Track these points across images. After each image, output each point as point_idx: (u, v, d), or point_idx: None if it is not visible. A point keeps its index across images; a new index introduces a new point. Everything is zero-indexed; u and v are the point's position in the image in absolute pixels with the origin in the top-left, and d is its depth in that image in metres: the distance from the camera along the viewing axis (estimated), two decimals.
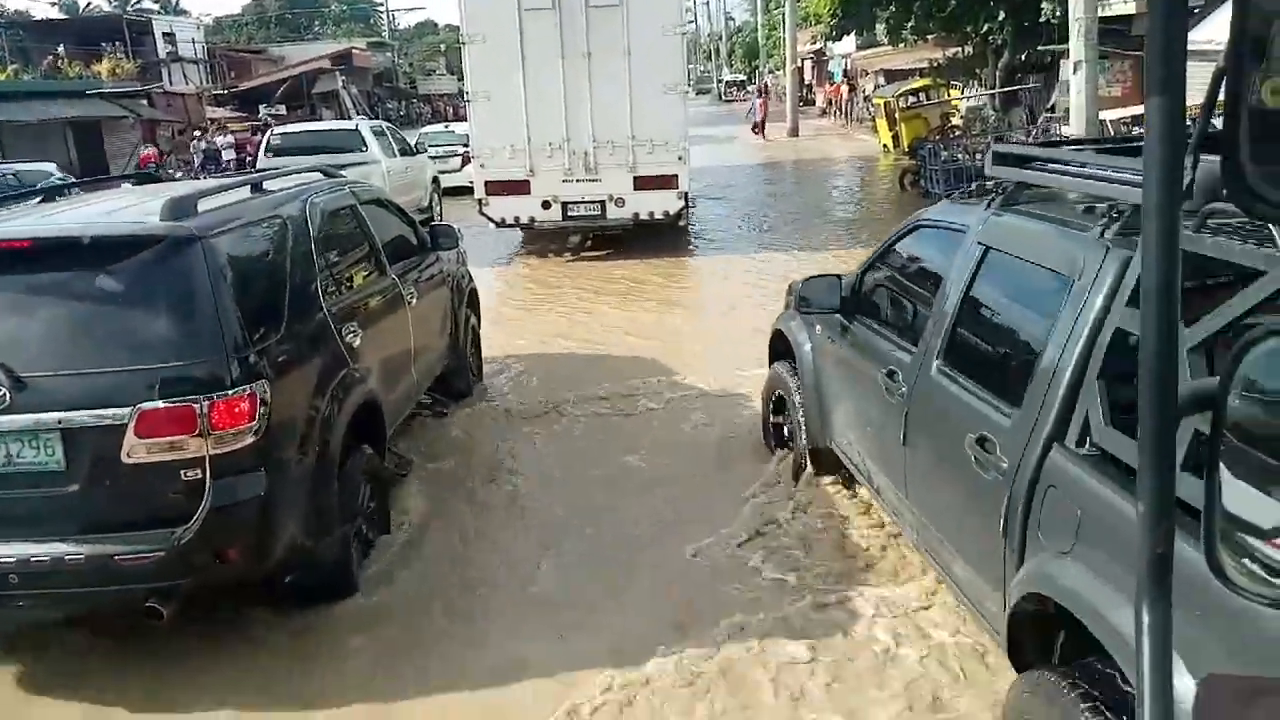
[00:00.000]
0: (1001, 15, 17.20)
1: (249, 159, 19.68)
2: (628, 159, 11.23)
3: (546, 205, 11.46)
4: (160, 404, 3.42)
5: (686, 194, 11.62)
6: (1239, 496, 0.87)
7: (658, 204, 11.38)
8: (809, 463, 4.81)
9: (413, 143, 16.06)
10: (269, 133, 16.03)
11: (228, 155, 23.37)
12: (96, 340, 3.55)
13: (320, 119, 32.04)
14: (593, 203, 11.48)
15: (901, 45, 21.50)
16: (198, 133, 25.42)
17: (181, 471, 3.46)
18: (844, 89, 35.54)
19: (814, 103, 41.93)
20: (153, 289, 3.64)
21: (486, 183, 11.48)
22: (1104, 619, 2.27)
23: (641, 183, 11.29)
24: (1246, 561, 0.86)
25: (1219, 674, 0.71)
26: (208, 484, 3.45)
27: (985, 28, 17.72)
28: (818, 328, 4.76)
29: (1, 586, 3.41)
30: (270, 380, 3.63)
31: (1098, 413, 2.52)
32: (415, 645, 3.81)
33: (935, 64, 21.76)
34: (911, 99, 20.85)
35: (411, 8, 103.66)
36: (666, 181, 11.24)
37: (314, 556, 3.89)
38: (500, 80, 10.99)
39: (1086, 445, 2.56)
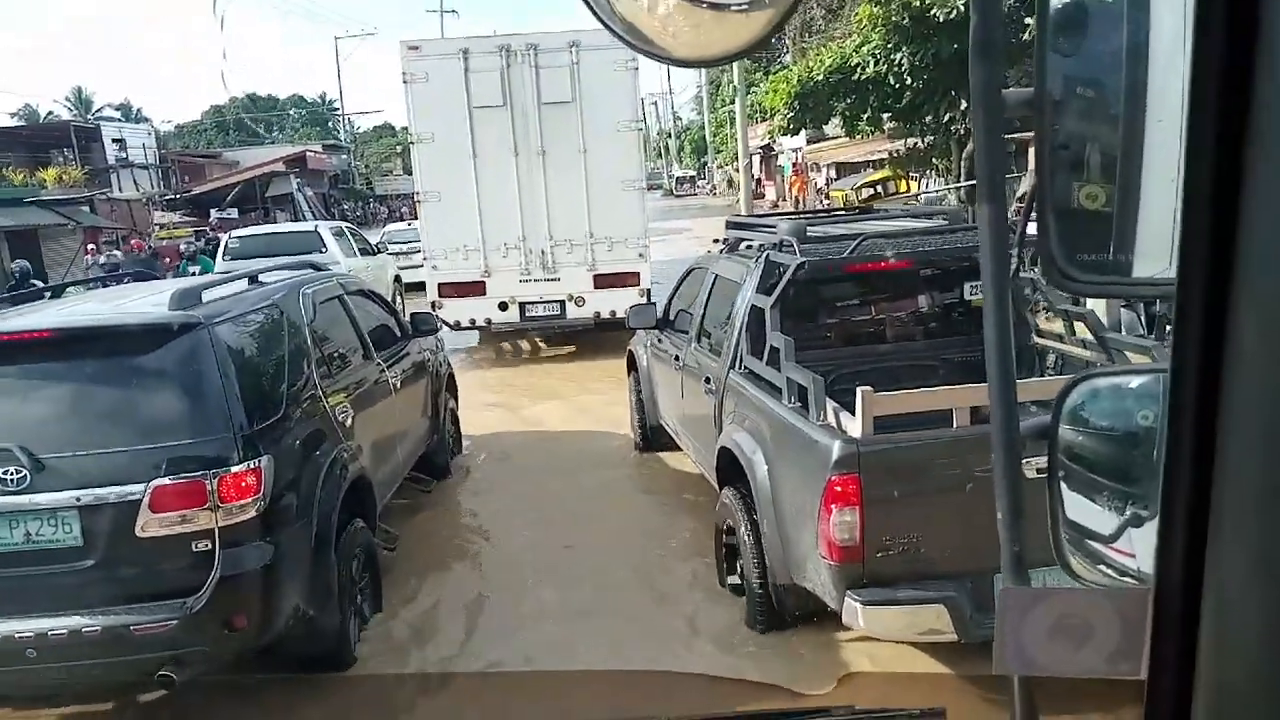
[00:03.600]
0: (964, 104, 16.62)
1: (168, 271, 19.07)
2: (587, 257, 11.21)
3: (504, 306, 11.32)
4: (173, 480, 3.74)
5: (649, 291, 11.27)
6: (1080, 507, 1.07)
7: (619, 302, 10.85)
8: (648, 435, 7.24)
9: (376, 240, 16.56)
10: (227, 236, 16.40)
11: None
12: (111, 422, 3.88)
13: (274, 222, 32.63)
14: (552, 303, 11.37)
15: (858, 137, 21.80)
16: (91, 247, 23.81)
17: (192, 543, 3.75)
18: (802, 183, 35.89)
19: (763, 196, 43.32)
20: (163, 373, 4.00)
21: (440, 285, 11.31)
22: (745, 454, 4.37)
23: (602, 281, 11.23)
24: (1101, 568, 1.05)
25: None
26: (217, 554, 3.74)
27: (947, 116, 17.36)
28: (649, 343, 7.05)
29: (21, 660, 3.64)
30: (273, 456, 3.97)
31: (744, 349, 4.77)
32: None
33: (894, 155, 21.79)
34: (868, 191, 21.62)
35: (368, 111, 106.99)
36: (628, 279, 11.20)
37: (315, 625, 4.17)
38: (451, 179, 10.96)
39: (741, 367, 4.77)
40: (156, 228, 31.51)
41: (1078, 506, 1.07)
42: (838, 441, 3.55)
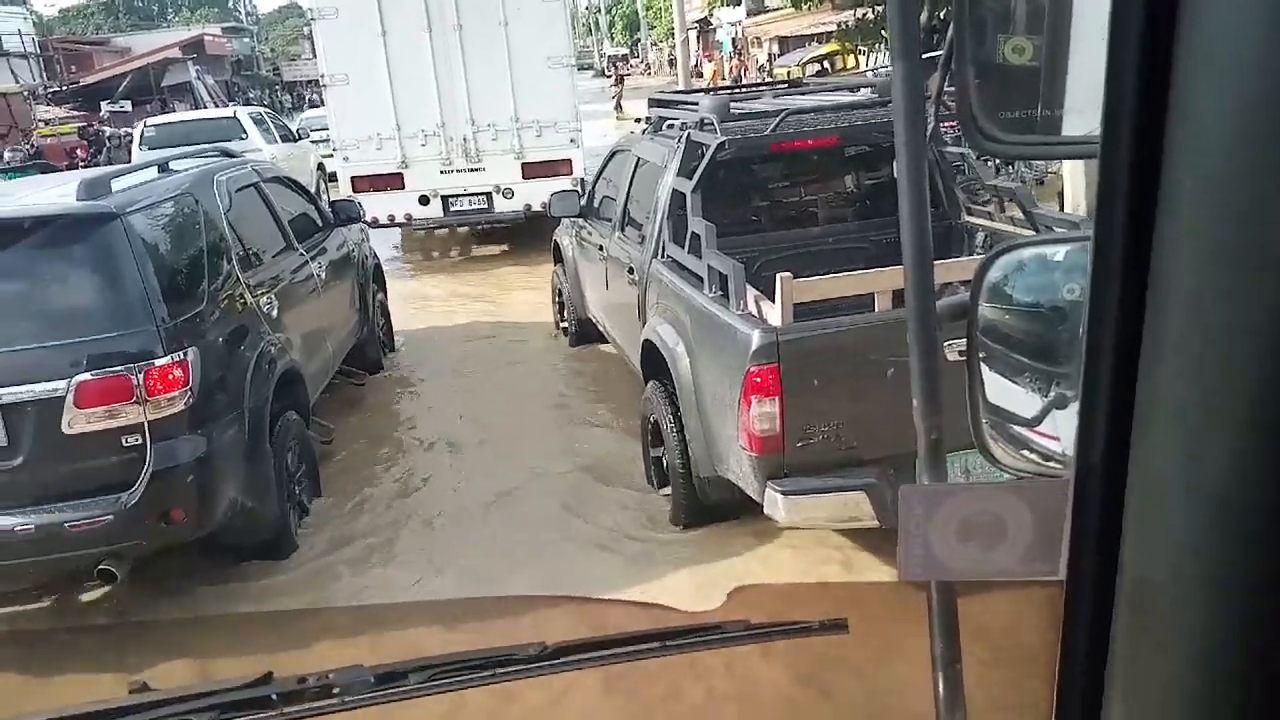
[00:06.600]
0: None
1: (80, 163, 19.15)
2: (514, 144, 10.76)
3: (424, 200, 10.84)
4: (96, 375, 3.81)
5: (582, 180, 10.27)
6: (1001, 390, 1.03)
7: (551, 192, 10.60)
8: (579, 329, 7.19)
9: (295, 127, 16.30)
10: (142, 124, 16.04)
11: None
12: (30, 319, 3.90)
13: (171, 113, 31.39)
14: (477, 195, 10.90)
15: (804, 7, 20.81)
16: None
17: (122, 438, 3.85)
18: (735, 64, 34.55)
19: (701, 75, 42.59)
20: (78, 266, 4.02)
21: (353, 178, 10.74)
22: (667, 345, 4.41)
23: (531, 170, 10.77)
24: (1025, 453, 1.02)
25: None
26: (149, 449, 3.85)
27: None
28: (574, 232, 6.86)
29: None
30: (199, 348, 4.05)
31: (666, 236, 4.77)
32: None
33: (843, 27, 20.77)
34: (814, 68, 21.31)
35: None
36: (559, 167, 10.72)
37: (254, 516, 4.33)
38: (359, 61, 10.35)
39: (664, 255, 4.78)
40: (40, 123, 30.11)
41: (999, 389, 1.03)
42: (757, 331, 3.58)
